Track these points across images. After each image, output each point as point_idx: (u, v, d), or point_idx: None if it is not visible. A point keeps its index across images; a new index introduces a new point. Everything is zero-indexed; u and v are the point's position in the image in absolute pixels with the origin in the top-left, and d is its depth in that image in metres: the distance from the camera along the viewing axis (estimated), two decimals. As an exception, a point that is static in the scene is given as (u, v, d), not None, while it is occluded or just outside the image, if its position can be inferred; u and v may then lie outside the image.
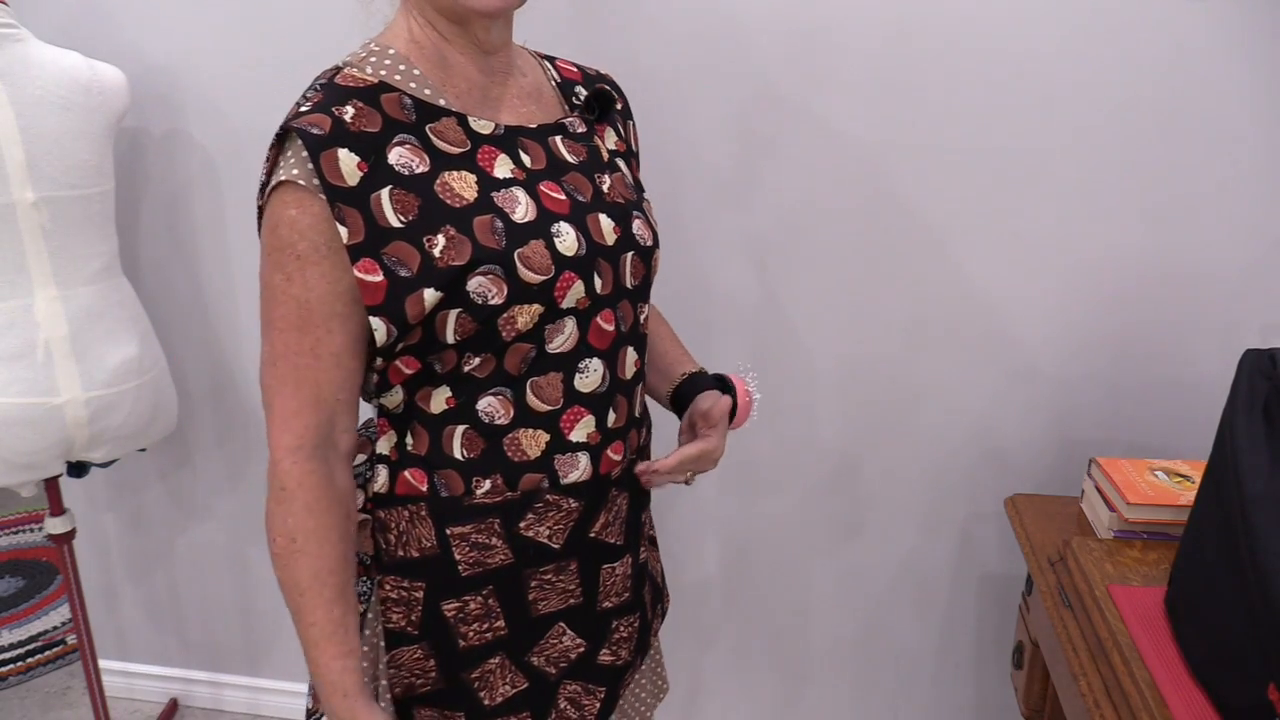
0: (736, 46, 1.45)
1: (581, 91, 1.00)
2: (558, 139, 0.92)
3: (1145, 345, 1.49)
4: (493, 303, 0.81)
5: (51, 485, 1.59)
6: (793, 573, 1.75)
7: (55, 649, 2.25)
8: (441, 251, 0.79)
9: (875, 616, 1.75)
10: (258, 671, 2.03)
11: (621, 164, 0.99)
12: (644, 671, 1.14)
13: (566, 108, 0.98)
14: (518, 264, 0.81)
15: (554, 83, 0.99)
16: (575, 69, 1.03)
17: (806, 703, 1.85)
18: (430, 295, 0.79)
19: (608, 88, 1.00)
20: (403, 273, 0.79)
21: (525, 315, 0.83)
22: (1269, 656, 0.80)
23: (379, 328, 0.80)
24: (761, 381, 1.62)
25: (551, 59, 1.03)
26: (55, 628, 2.33)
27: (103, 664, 1.99)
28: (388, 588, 0.92)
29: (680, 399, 1.06)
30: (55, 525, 1.62)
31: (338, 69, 0.84)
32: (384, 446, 0.91)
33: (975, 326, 1.53)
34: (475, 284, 0.80)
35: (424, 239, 0.79)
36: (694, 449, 0.98)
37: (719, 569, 1.78)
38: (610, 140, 0.99)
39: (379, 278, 0.79)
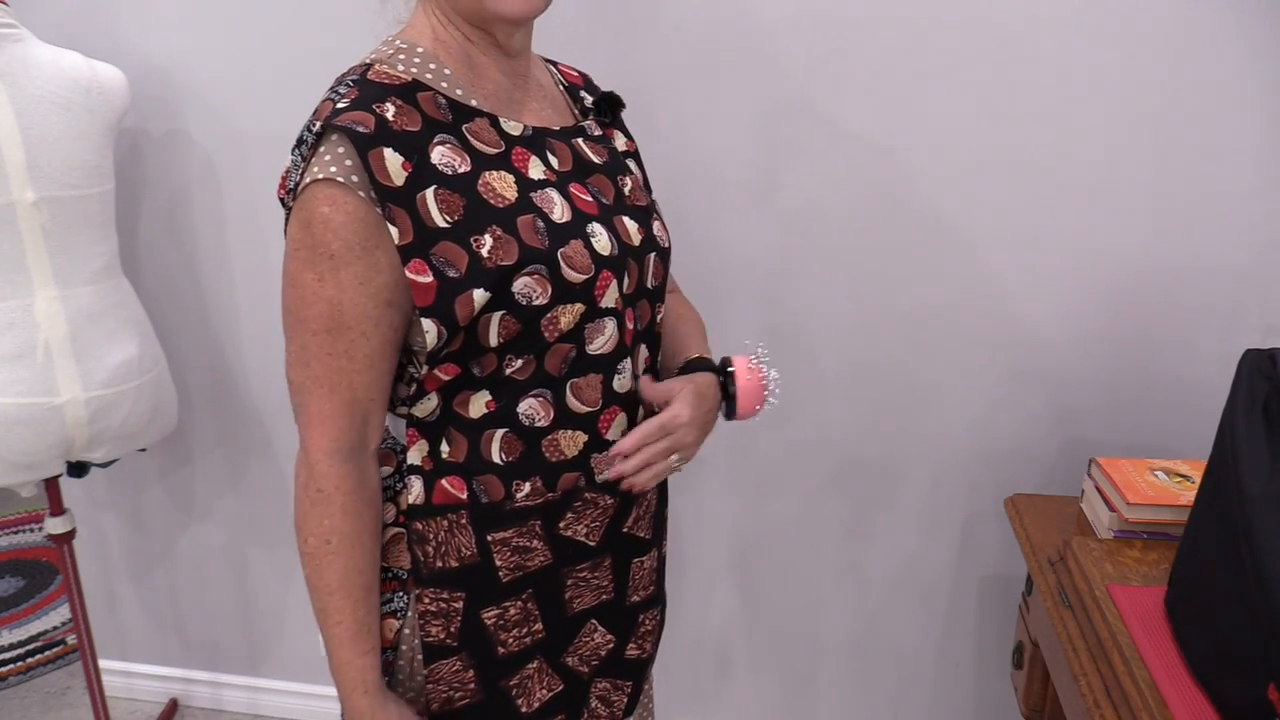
0: (749, 48, 1.45)
1: (586, 96, 1.00)
2: (580, 141, 0.92)
3: (1145, 345, 1.49)
4: (537, 303, 0.81)
5: (51, 485, 1.59)
6: (793, 572, 1.75)
7: (55, 649, 2.25)
8: (489, 252, 0.79)
9: (875, 616, 1.75)
10: (258, 671, 2.03)
11: (633, 166, 1.00)
12: None
13: (576, 111, 0.98)
14: (561, 264, 0.81)
15: (561, 86, 1.00)
16: (576, 73, 1.04)
17: (806, 703, 1.85)
18: (479, 296, 0.79)
19: (616, 94, 1.01)
20: (451, 273, 0.78)
21: (568, 315, 0.83)
22: (1269, 656, 0.80)
23: (430, 330, 0.79)
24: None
25: (554, 63, 1.03)
26: (55, 628, 2.33)
27: (103, 664, 1.99)
28: (426, 601, 0.90)
29: None
30: (55, 525, 1.62)
31: (368, 65, 0.83)
32: (415, 456, 0.89)
33: (976, 327, 1.53)
34: (521, 284, 0.80)
35: (471, 239, 0.79)
36: (652, 423, 0.89)
37: (720, 569, 1.78)
38: (620, 142, 1.00)
39: (429, 278, 0.78)
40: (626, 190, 0.93)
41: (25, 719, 2.02)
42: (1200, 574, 0.95)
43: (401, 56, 0.84)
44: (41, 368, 1.39)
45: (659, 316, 0.98)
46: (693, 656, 1.85)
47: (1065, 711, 1.14)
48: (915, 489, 1.65)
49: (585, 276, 0.83)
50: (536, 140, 0.87)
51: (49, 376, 1.40)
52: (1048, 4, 1.35)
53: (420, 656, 0.92)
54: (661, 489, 1.02)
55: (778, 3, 1.42)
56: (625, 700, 1.01)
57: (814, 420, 1.64)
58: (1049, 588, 1.21)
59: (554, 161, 0.88)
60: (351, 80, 0.81)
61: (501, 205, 0.81)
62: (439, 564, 0.89)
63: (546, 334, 0.83)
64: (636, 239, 0.91)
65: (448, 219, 0.79)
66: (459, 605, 0.90)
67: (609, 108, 1.00)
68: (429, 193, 0.78)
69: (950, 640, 1.74)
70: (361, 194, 0.76)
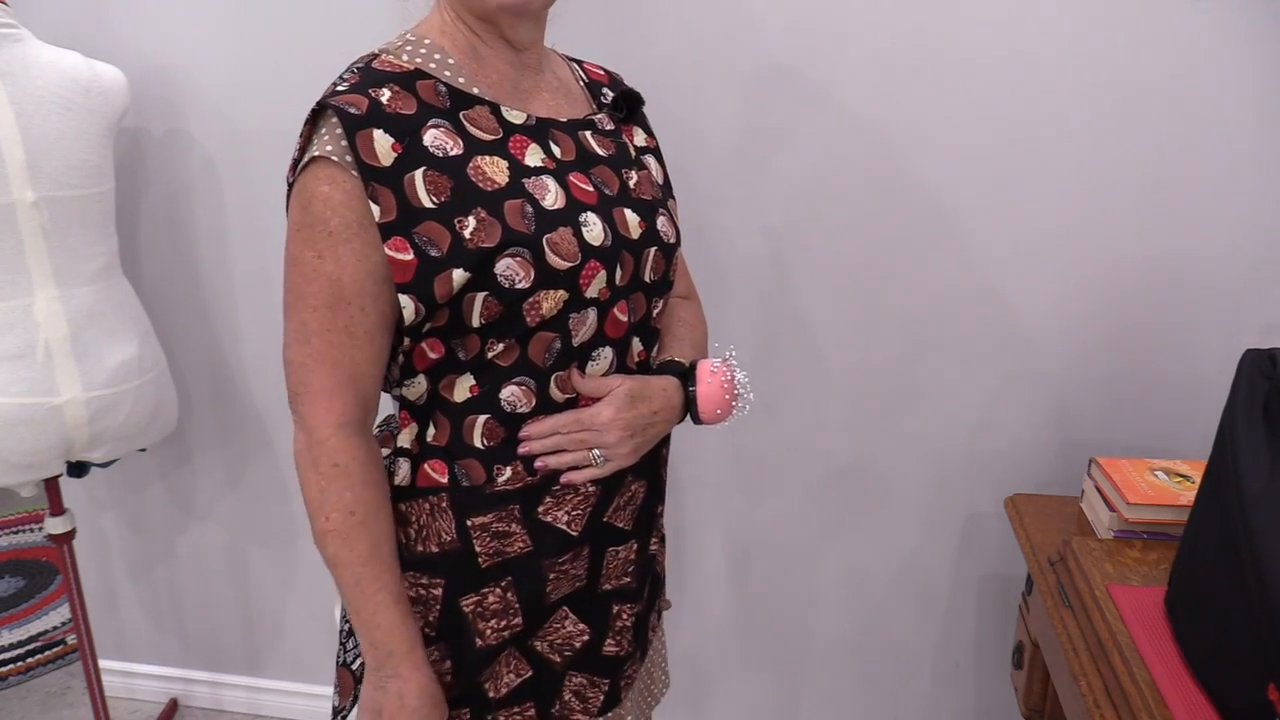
0: (748, 43, 1.45)
1: (608, 93, 1.01)
2: (588, 133, 0.93)
3: (1145, 345, 1.49)
4: (519, 286, 0.82)
5: (51, 485, 1.59)
6: (793, 572, 1.75)
7: (55, 649, 2.25)
8: (472, 233, 0.80)
9: (875, 616, 1.75)
10: (258, 671, 2.03)
11: (651, 161, 1.00)
12: (645, 668, 1.14)
13: (595, 106, 0.99)
14: (546, 249, 0.82)
15: (582, 83, 1.00)
16: (602, 72, 1.05)
17: (806, 703, 1.85)
18: (459, 275, 0.80)
19: (634, 90, 1.02)
20: (433, 252, 0.80)
21: (550, 301, 0.83)
22: (1269, 656, 0.80)
23: (407, 306, 0.81)
24: (763, 381, 1.63)
25: (579, 61, 1.04)
26: (55, 628, 2.33)
27: (103, 664, 1.99)
28: (406, 585, 0.92)
29: None
30: (55, 525, 1.62)
31: (374, 55, 0.86)
32: (405, 440, 0.92)
33: (976, 327, 1.53)
34: (503, 266, 0.81)
35: (455, 220, 0.80)
36: (565, 415, 0.90)
37: (720, 568, 1.78)
38: (639, 138, 1.01)
39: (409, 256, 0.80)
40: (632, 183, 0.94)
41: (25, 719, 2.02)
42: (1200, 574, 0.95)
43: (409, 48, 0.87)
44: (42, 368, 1.39)
45: (655, 311, 0.98)
46: (692, 656, 1.85)
47: (1065, 711, 1.14)
48: (915, 489, 1.65)
49: (570, 264, 0.84)
50: (539, 129, 0.89)
51: (49, 376, 1.40)
52: (1047, 3, 1.35)
53: None
54: (653, 485, 1.01)
55: (778, 3, 1.42)
56: (601, 698, 1.00)
57: (814, 420, 1.64)
58: (1049, 588, 1.21)
59: (556, 151, 0.89)
60: (356, 68, 0.84)
61: (490, 188, 0.82)
62: (419, 548, 0.91)
63: (528, 318, 0.84)
64: (636, 232, 0.91)
65: (434, 199, 0.80)
66: (438, 593, 0.92)
67: (625, 104, 1.01)
68: (418, 173, 0.80)
69: (950, 640, 1.74)
70: (354, 173, 0.79)
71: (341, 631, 0.99)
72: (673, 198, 1.03)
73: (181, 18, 1.58)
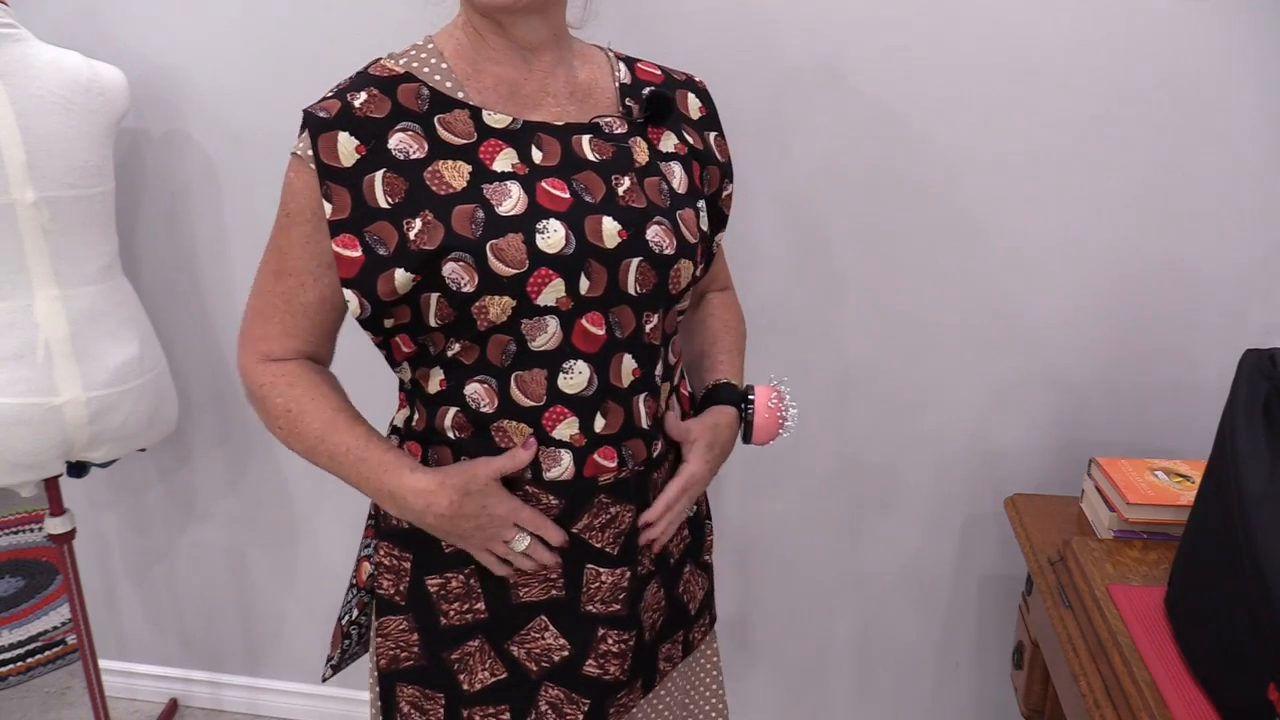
0: (758, 43, 1.45)
1: (646, 92, 0.97)
2: (584, 138, 0.90)
3: (1145, 345, 1.49)
4: (465, 290, 0.83)
5: (51, 485, 1.59)
6: (793, 572, 1.75)
7: (55, 649, 2.25)
8: (416, 235, 0.83)
9: (875, 616, 1.75)
10: (258, 671, 2.03)
11: (675, 168, 0.95)
12: (692, 699, 1.16)
13: (620, 109, 0.95)
14: (489, 255, 0.83)
15: (618, 84, 0.97)
16: (659, 72, 1.02)
17: (806, 703, 1.85)
18: (401, 275, 0.83)
19: (668, 92, 0.97)
20: (381, 251, 0.83)
21: (496, 307, 0.84)
22: (1269, 656, 0.80)
23: (351, 300, 0.85)
24: (764, 380, 1.62)
25: (632, 61, 1.01)
26: (55, 628, 2.33)
27: (103, 664, 1.99)
28: (381, 553, 0.97)
29: (703, 409, 1.05)
30: (55, 525, 1.62)
31: (376, 60, 0.90)
32: (399, 419, 0.98)
33: (976, 327, 1.53)
34: (449, 270, 0.83)
35: (404, 221, 0.84)
36: (673, 489, 0.97)
37: (720, 568, 1.78)
38: (669, 143, 0.96)
39: (356, 253, 0.84)
40: (621, 190, 0.89)
41: (25, 719, 2.02)
42: (1200, 574, 0.95)
43: (410, 52, 0.90)
44: (42, 368, 1.39)
45: (649, 326, 0.93)
46: (693, 656, 1.85)
47: (1065, 711, 1.14)
48: (915, 489, 1.65)
49: (516, 271, 0.83)
50: (522, 134, 0.88)
51: (49, 376, 1.40)
52: (1050, 3, 1.35)
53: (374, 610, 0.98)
54: (643, 510, 0.98)
55: (779, 8, 1.42)
56: (581, 717, 0.98)
57: (814, 420, 1.64)
58: (1049, 588, 1.21)
59: (536, 156, 0.87)
60: (356, 72, 0.89)
61: (444, 193, 0.84)
62: (394, 521, 0.95)
63: (478, 322, 0.85)
64: (613, 240, 0.86)
65: (389, 200, 0.84)
66: (407, 565, 0.96)
67: (651, 107, 0.95)
68: (378, 175, 0.84)
69: (950, 640, 1.74)
70: (312, 167, 0.85)
71: (347, 590, 1.06)
72: (692, 206, 0.96)
73: (181, 18, 1.58)
